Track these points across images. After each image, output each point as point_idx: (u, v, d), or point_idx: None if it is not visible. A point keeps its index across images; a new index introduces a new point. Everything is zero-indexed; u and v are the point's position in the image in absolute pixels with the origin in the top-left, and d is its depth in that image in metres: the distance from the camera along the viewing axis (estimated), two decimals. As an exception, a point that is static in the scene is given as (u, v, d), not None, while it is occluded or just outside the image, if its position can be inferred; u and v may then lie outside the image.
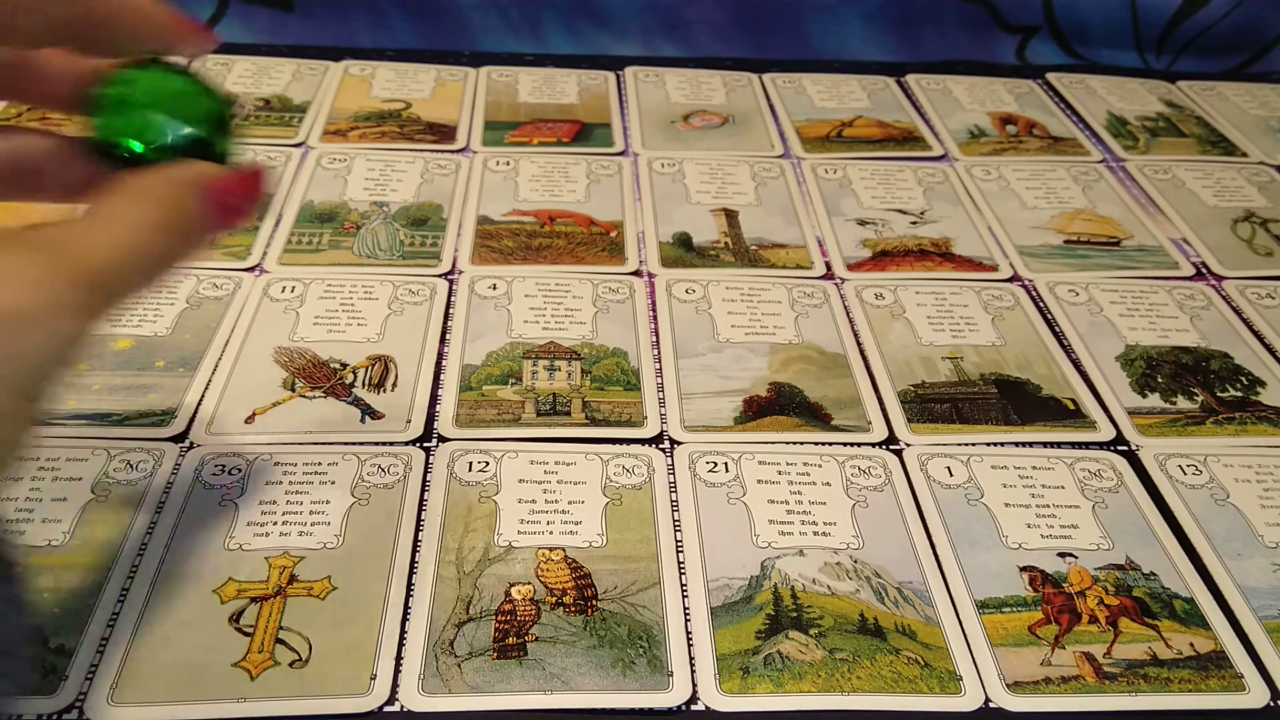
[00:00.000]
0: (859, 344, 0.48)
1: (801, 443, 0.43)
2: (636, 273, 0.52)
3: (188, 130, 0.28)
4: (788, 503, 0.40)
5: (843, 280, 0.52)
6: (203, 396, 0.43)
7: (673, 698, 0.33)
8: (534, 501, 0.39)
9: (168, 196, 0.27)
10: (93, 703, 0.32)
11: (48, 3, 0.26)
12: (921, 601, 0.36)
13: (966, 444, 0.43)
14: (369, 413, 0.43)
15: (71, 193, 0.30)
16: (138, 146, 0.28)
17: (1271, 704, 0.34)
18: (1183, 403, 0.46)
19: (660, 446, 0.42)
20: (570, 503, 0.39)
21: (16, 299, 0.23)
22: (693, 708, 0.33)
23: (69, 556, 0.36)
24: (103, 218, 0.26)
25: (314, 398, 0.43)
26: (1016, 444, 0.43)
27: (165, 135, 0.28)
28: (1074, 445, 0.43)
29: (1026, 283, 0.53)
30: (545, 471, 0.40)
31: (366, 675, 0.33)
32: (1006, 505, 0.40)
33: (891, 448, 0.43)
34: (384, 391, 0.44)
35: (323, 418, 0.42)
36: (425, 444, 0.41)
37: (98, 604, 0.34)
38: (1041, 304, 0.51)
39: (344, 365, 0.45)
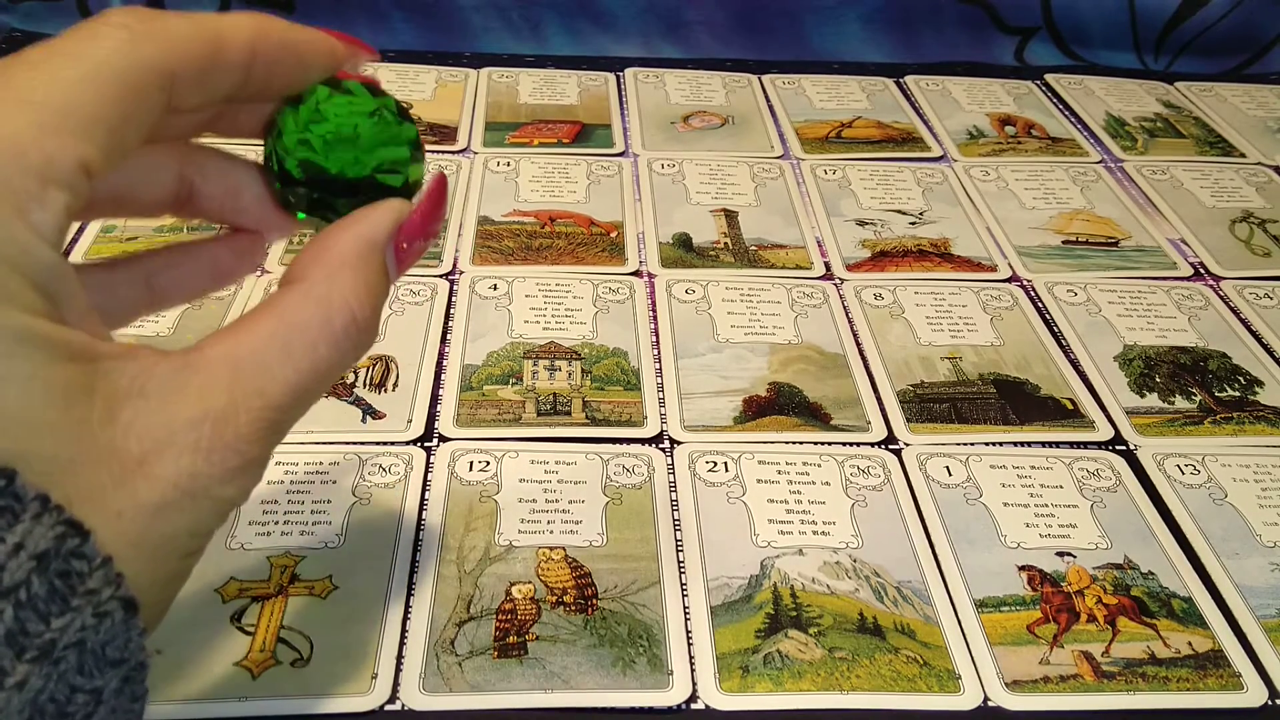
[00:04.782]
0: (858, 344, 0.48)
1: (801, 442, 0.43)
2: (636, 273, 0.52)
3: (371, 169, 0.26)
4: (787, 502, 0.40)
5: (842, 280, 0.52)
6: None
7: (673, 696, 0.33)
8: (534, 501, 0.39)
9: (360, 287, 0.23)
10: (95, 701, 0.32)
11: (221, 78, 0.23)
12: (920, 600, 0.37)
13: (965, 444, 0.43)
14: (370, 412, 0.43)
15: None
16: (330, 176, 0.26)
17: (1269, 703, 0.34)
18: (1181, 402, 0.46)
19: (660, 446, 0.42)
20: (570, 502, 0.39)
21: (185, 469, 0.20)
22: (692, 706, 0.33)
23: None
24: (282, 334, 0.22)
25: (315, 398, 0.43)
26: (1015, 444, 0.43)
27: (347, 170, 0.26)
28: (1072, 445, 0.43)
29: (1025, 283, 0.53)
30: (545, 471, 0.41)
31: (368, 674, 0.33)
32: (1005, 505, 0.40)
33: (890, 447, 0.43)
34: (385, 391, 0.44)
35: (323, 417, 0.42)
36: (426, 444, 0.42)
37: (100, 603, 0.34)
38: (1040, 304, 0.51)
39: (345, 365, 0.45)
